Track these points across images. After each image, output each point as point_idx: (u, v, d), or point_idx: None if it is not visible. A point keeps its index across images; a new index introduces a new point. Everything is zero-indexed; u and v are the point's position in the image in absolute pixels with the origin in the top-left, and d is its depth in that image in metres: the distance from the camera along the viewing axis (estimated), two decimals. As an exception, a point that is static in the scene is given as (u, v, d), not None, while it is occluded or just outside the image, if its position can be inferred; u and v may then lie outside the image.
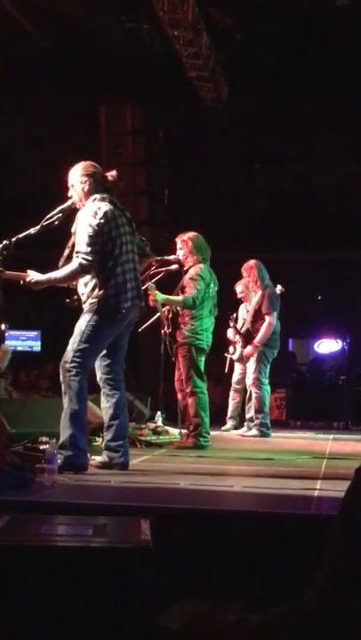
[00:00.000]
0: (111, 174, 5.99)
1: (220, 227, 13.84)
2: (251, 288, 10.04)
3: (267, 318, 9.68)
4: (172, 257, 8.21)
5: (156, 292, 7.91)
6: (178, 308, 8.07)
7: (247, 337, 9.87)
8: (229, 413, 10.61)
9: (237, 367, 10.65)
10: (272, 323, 9.70)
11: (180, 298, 7.98)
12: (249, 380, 9.89)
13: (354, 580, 1.58)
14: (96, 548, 3.16)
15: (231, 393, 10.69)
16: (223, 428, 10.36)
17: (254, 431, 9.73)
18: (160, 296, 7.95)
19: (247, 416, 10.09)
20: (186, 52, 11.83)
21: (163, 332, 8.37)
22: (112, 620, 2.97)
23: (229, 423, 10.53)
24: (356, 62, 11.57)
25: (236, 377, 10.64)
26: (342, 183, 14.70)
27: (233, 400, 10.65)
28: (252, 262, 10.02)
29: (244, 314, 10.49)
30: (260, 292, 9.86)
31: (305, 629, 1.62)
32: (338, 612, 1.58)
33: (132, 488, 5.09)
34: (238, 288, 10.57)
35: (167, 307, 8.21)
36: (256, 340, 9.66)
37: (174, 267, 8.18)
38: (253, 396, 9.80)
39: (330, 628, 1.58)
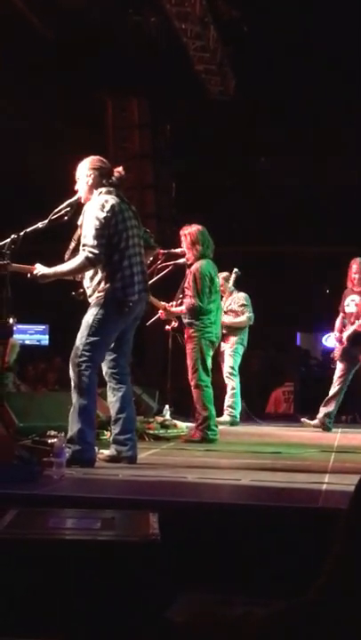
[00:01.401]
0: (118, 170, 6.00)
1: (226, 220, 13.83)
2: (352, 286, 9.78)
3: None
4: (178, 250, 8.21)
5: (166, 308, 8.04)
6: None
7: (357, 337, 9.61)
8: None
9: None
10: None
11: (183, 307, 8.01)
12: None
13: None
14: (104, 542, 3.16)
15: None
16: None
17: None
18: (172, 311, 8.09)
19: None
20: (193, 45, 11.82)
21: (167, 327, 8.40)
22: (119, 614, 2.97)
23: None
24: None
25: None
26: (350, 178, 14.66)
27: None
28: (357, 261, 9.77)
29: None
30: None
31: (310, 624, 1.62)
32: (345, 607, 1.58)
33: (140, 482, 5.09)
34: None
35: (172, 304, 8.25)
36: None
37: (181, 260, 8.18)
38: None
39: (336, 623, 1.58)
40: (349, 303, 9.73)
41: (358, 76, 11.97)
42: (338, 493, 4.48)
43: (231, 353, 10.42)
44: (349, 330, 9.55)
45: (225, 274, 10.46)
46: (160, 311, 8.26)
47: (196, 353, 7.90)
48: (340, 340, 9.70)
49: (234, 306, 10.51)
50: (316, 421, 9.84)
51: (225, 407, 10.34)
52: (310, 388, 13.07)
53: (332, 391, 9.75)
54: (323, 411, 9.79)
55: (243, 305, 10.50)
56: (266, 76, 12.43)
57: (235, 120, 13.59)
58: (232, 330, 10.43)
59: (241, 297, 10.59)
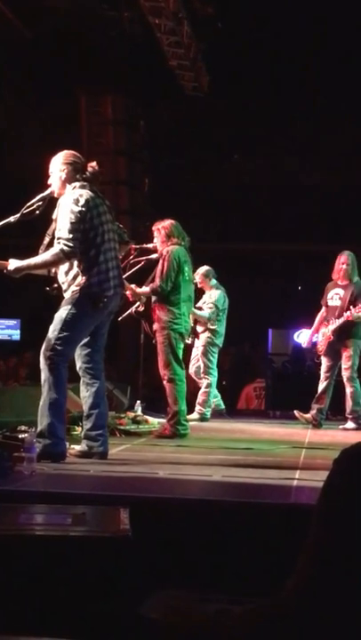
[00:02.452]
0: (92, 165, 5.98)
1: (200, 217, 13.84)
2: (337, 279, 9.70)
3: None
4: (150, 245, 8.20)
5: (133, 289, 8.02)
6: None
7: (341, 331, 9.51)
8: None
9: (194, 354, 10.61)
10: None
11: (148, 288, 8.00)
12: (346, 374, 9.74)
13: (334, 571, 1.58)
14: (75, 537, 3.15)
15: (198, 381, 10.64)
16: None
17: (351, 424, 9.65)
18: (138, 292, 8.07)
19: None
20: (167, 41, 11.80)
21: (132, 310, 8.36)
22: (91, 609, 2.96)
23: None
24: (339, 53, 11.58)
25: (192, 367, 10.58)
26: (322, 175, 14.72)
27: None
28: (345, 254, 9.69)
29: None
30: (351, 287, 9.53)
31: (285, 620, 1.62)
32: (318, 603, 1.58)
33: (112, 477, 5.09)
34: (196, 277, 10.51)
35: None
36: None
37: (154, 255, 8.18)
38: (349, 391, 9.68)
39: (310, 619, 1.58)
40: (333, 297, 9.70)
41: (331, 74, 12.01)
42: (309, 489, 4.50)
43: (203, 351, 10.40)
44: (336, 323, 9.52)
45: (206, 268, 10.43)
46: (127, 292, 8.21)
47: (166, 347, 7.89)
48: (317, 333, 9.72)
49: (204, 306, 10.48)
50: (308, 416, 9.83)
51: (196, 403, 10.33)
52: (281, 385, 13.11)
53: (321, 387, 9.72)
54: (315, 407, 9.76)
55: (212, 303, 10.48)
56: (240, 72, 12.45)
57: (209, 116, 13.60)
58: (204, 327, 10.41)
59: (214, 294, 10.55)
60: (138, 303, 8.31)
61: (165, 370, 7.90)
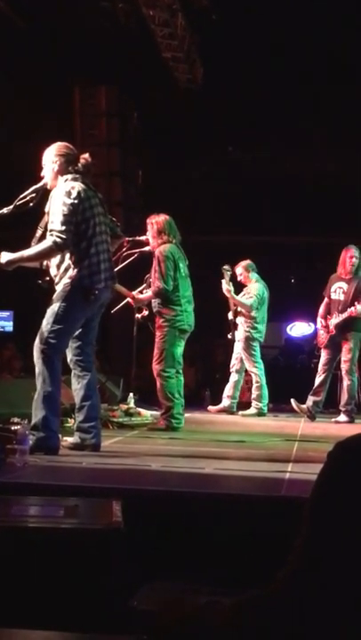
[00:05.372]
0: (84, 157, 5.98)
1: (193, 210, 13.81)
2: (342, 273, 9.74)
3: None
4: (143, 238, 8.20)
5: (134, 296, 8.13)
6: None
7: (344, 325, 9.58)
8: (227, 392, 10.69)
9: (236, 349, 10.61)
10: None
11: (150, 293, 8.02)
12: (344, 366, 9.73)
13: (325, 563, 1.58)
14: (67, 530, 3.15)
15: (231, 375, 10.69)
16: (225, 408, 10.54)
17: (344, 417, 9.66)
18: (139, 298, 8.13)
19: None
20: (161, 33, 11.77)
21: (137, 316, 8.41)
22: (83, 602, 2.97)
23: (228, 402, 10.61)
24: (338, 42, 11.55)
25: (233, 360, 10.62)
26: (316, 168, 14.70)
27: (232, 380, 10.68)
28: (353, 248, 9.71)
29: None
30: (355, 281, 9.59)
31: (276, 612, 1.62)
32: (309, 595, 1.59)
33: (104, 469, 5.10)
34: (238, 270, 10.57)
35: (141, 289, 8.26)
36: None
37: (147, 248, 8.17)
38: (346, 384, 9.68)
39: (301, 611, 1.59)
40: (337, 290, 9.71)
41: (330, 65, 11.99)
42: (301, 482, 4.51)
43: (243, 346, 10.42)
44: (339, 318, 9.52)
45: (247, 262, 10.51)
46: (128, 299, 8.26)
47: (163, 343, 7.89)
48: (325, 327, 9.72)
49: (245, 296, 10.50)
50: (304, 407, 9.83)
51: (251, 399, 10.43)
52: (273, 377, 13.12)
53: (318, 380, 9.73)
54: (311, 399, 9.76)
55: (251, 295, 10.51)
56: (235, 64, 12.42)
57: (203, 109, 13.56)
58: (242, 320, 10.44)
59: (254, 287, 10.61)
60: (143, 310, 8.37)
61: (157, 365, 7.91)
